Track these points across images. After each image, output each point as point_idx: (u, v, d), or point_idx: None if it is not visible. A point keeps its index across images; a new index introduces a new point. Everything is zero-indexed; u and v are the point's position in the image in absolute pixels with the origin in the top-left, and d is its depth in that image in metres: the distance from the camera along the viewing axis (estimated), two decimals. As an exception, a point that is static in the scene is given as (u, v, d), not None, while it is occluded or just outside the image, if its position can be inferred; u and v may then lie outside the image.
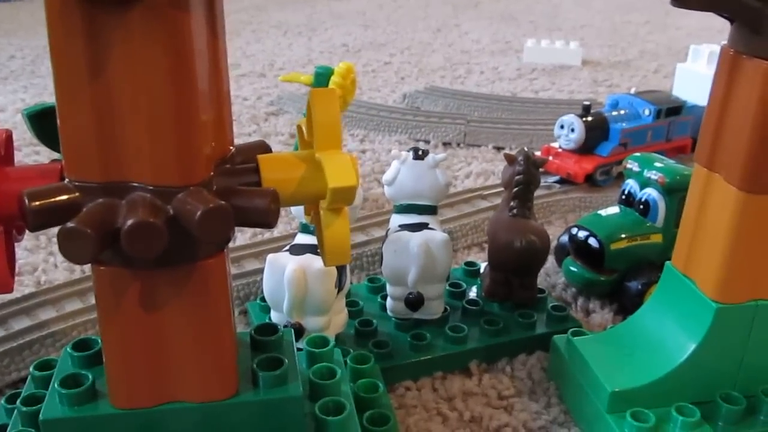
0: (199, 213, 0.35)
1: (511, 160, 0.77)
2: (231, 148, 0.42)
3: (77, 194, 0.38)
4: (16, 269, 0.84)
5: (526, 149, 0.77)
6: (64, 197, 0.37)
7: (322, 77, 0.93)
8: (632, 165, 0.82)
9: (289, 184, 0.42)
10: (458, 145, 1.34)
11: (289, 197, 0.42)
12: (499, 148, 1.32)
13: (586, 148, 1.11)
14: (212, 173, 0.40)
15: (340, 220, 0.41)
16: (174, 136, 0.38)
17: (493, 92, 1.69)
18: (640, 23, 2.64)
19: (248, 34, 2.31)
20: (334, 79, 0.92)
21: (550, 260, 0.87)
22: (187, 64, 0.37)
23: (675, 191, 0.78)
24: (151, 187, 0.38)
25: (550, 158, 1.12)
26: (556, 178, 1.12)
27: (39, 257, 0.88)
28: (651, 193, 0.80)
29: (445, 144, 1.34)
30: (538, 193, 0.79)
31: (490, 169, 1.20)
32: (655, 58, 2.10)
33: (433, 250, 0.68)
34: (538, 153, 1.17)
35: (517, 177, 0.75)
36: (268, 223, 0.39)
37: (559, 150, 1.13)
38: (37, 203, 0.36)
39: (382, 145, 1.33)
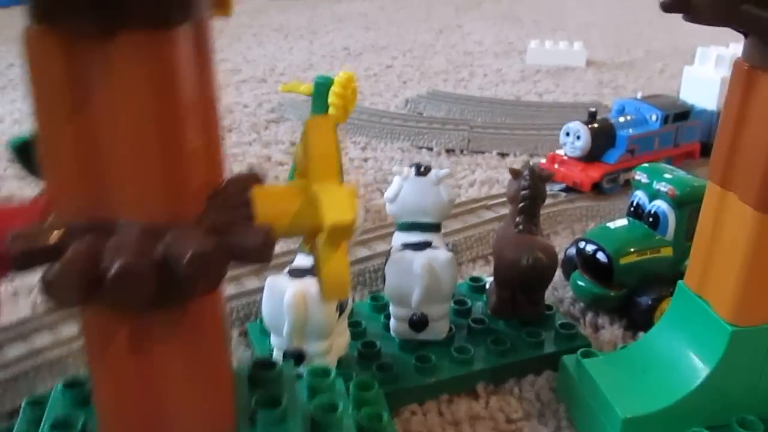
0: (187, 257, 0.33)
1: (516, 174, 0.75)
2: (222, 180, 0.40)
3: (61, 234, 0.36)
4: (12, 290, 0.84)
5: (531, 163, 0.75)
6: (48, 239, 0.35)
7: (323, 87, 0.91)
8: (641, 176, 0.80)
9: (285, 219, 0.39)
10: (462, 151, 1.31)
11: (285, 231, 0.40)
12: (503, 155, 1.30)
13: (592, 156, 1.09)
14: (203, 208, 0.38)
15: (338, 255, 0.39)
16: (160, 171, 0.36)
17: (496, 95, 1.67)
18: (645, 22, 2.61)
19: (249, 38, 2.29)
20: (334, 90, 0.90)
21: (558, 273, 0.84)
22: (172, 98, 0.35)
23: (685, 204, 0.76)
24: (138, 226, 0.36)
25: (556, 166, 1.10)
26: (562, 186, 1.10)
27: (35, 278, 0.86)
28: (660, 205, 0.78)
29: (448, 151, 1.32)
30: (543, 202, 0.77)
31: (495, 177, 1.18)
32: (660, 58, 2.07)
33: (437, 270, 0.66)
34: (543, 160, 1.15)
35: (522, 192, 0.73)
36: (263, 261, 0.37)
37: (565, 157, 1.11)
38: (20, 246, 0.35)
39: (385, 152, 1.31)
